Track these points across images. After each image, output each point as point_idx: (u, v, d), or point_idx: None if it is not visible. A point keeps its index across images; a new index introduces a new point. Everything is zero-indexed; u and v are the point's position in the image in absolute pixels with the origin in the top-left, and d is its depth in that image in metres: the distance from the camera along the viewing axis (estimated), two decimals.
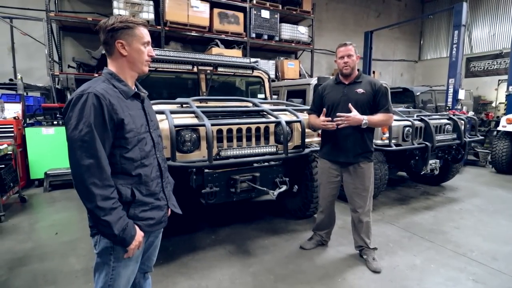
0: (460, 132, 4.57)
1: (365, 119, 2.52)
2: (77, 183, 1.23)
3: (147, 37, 1.41)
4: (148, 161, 1.41)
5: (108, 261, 1.37)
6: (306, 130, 3.14)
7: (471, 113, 7.20)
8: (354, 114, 2.50)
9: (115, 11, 6.43)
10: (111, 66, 1.40)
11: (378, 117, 2.62)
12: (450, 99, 7.13)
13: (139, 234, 1.36)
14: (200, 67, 3.80)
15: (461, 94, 7.14)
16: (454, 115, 5.02)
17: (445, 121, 4.62)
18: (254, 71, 4.25)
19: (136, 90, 1.45)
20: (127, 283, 1.47)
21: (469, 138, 4.85)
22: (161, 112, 2.57)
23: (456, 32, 7.01)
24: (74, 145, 1.22)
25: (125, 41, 1.35)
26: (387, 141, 3.99)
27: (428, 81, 12.52)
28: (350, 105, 2.55)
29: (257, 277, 2.60)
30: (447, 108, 7.10)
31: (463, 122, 4.74)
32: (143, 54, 1.39)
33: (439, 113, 5.71)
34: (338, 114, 2.54)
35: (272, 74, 8.27)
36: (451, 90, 7.08)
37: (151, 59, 1.45)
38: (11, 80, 5.82)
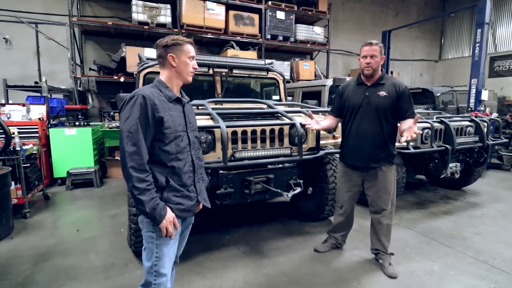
0: (482, 135, 4.41)
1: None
2: (122, 165, 1.49)
3: (193, 53, 1.68)
4: (182, 156, 1.63)
5: (151, 239, 1.60)
6: (321, 132, 3.12)
7: (494, 115, 6.94)
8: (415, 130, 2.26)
9: (134, 15, 6.61)
10: (161, 76, 1.68)
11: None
12: (472, 100, 6.89)
13: (170, 215, 1.56)
14: (215, 69, 3.85)
15: (484, 95, 6.89)
16: (476, 116, 4.85)
17: (467, 123, 4.46)
18: (269, 72, 4.26)
19: (178, 96, 1.69)
20: (170, 262, 1.68)
21: (493, 140, 4.66)
22: None
23: (479, 30, 6.78)
24: (123, 134, 1.49)
25: (175, 55, 1.62)
26: (405, 144, 3.91)
27: (449, 81, 12.13)
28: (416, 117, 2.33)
29: (271, 279, 2.61)
30: (469, 109, 6.87)
31: (485, 124, 4.57)
32: (188, 66, 1.67)
33: (460, 115, 5.53)
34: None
35: (287, 75, 8.24)
36: (473, 91, 6.84)
37: (194, 71, 1.71)
38: (36, 83, 6.08)
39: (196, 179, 1.72)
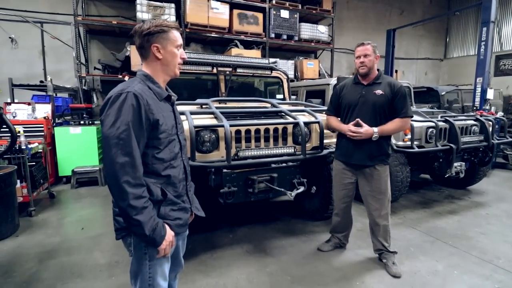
0: (487, 134, 4.38)
1: (375, 132, 2.51)
2: (111, 180, 1.23)
3: (180, 40, 1.43)
4: (176, 162, 1.44)
5: (144, 261, 1.38)
6: (325, 131, 3.12)
7: (500, 114, 6.89)
8: (365, 129, 2.51)
9: (139, 15, 6.62)
10: (145, 69, 1.43)
11: (391, 125, 2.57)
12: (477, 99, 6.85)
13: (169, 234, 1.36)
14: (219, 68, 3.86)
15: (490, 94, 6.84)
16: (481, 115, 4.81)
17: (472, 122, 4.43)
18: (273, 71, 4.26)
19: (168, 93, 1.48)
20: (165, 279, 1.47)
21: (498, 140, 4.63)
22: (181, 113, 2.63)
23: (484, 28, 6.73)
24: (110, 142, 1.22)
25: (160, 45, 1.37)
26: (409, 143, 3.89)
27: (454, 80, 12.03)
28: (359, 120, 2.55)
29: (274, 277, 2.61)
30: (475, 108, 6.82)
31: (491, 123, 4.53)
32: (176, 57, 1.42)
33: (465, 114, 5.50)
34: (349, 128, 2.57)
35: (291, 74, 8.22)
36: (478, 90, 6.80)
37: (183, 62, 1.48)
38: (41, 81, 6.13)
39: (188, 187, 1.54)
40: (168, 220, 1.38)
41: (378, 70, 2.67)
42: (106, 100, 1.29)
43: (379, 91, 2.58)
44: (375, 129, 2.52)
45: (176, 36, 1.41)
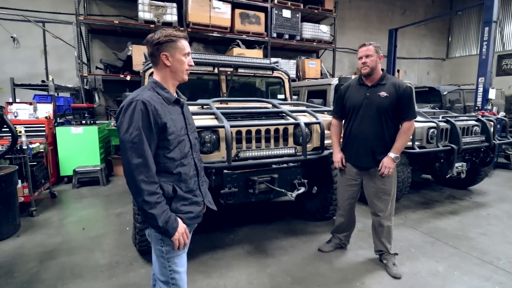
0: (489, 134, 4.36)
1: (393, 156, 2.52)
2: (128, 179, 1.39)
3: (188, 49, 1.55)
4: (186, 161, 1.56)
5: (162, 253, 1.54)
6: (326, 131, 3.11)
7: (502, 114, 6.86)
8: (386, 164, 2.53)
9: (140, 14, 6.63)
10: (156, 76, 1.55)
11: (401, 139, 2.55)
12: (479, 99, 6.82)
13: (182, 226, 1.49)
14: (220, 68, 3.85)
15: (492, 94, 6.81)
16: (483, 115, 4.79)
17: (473, 122, 4.42)
18: (274, 71, 4.26)
19: (176, 96, 1.59)
20: (185, 272, 1.61)
21: (499, 140, 4.62)
22: None
23: (486, 28, 6.70)
24: (125, 146, 1.38)
25: (169, 53, 1.49)
26: (410, 143, 3.88)
27: (456, 80, 12.00)
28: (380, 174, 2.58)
29: (274, 278, 2.61)
30: (477, 108, 6.79)
31: (492, 123, 4.52)
32: (184, 64, 1.54)
33: (466, 114, 5.48)
34: (382, 172, 2.56)
35: (293, 74, 8.21)
36: (480, 90, 6.77)
37: (190, 68, 1.59)
38: (43, 81, 6.14)
39: (200, 182, 1.66)
40: (179, 214, 1.52)
41: (382, 70, 2.64)
42: (119, 109, 1.43)
43: (383, 93, 2.54)
44: (392, 155, 2.53)
45: (184, 45, 1.53)
